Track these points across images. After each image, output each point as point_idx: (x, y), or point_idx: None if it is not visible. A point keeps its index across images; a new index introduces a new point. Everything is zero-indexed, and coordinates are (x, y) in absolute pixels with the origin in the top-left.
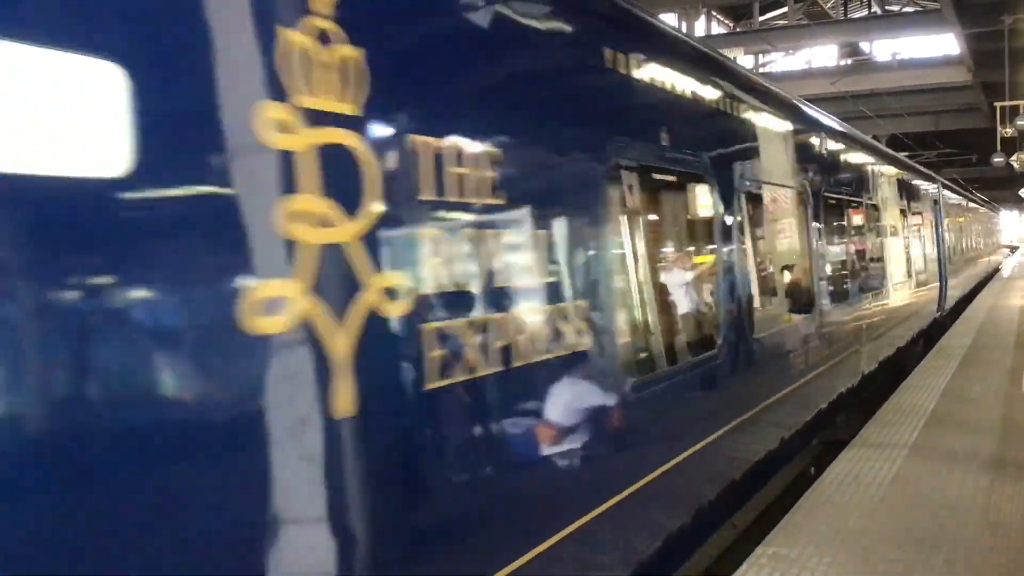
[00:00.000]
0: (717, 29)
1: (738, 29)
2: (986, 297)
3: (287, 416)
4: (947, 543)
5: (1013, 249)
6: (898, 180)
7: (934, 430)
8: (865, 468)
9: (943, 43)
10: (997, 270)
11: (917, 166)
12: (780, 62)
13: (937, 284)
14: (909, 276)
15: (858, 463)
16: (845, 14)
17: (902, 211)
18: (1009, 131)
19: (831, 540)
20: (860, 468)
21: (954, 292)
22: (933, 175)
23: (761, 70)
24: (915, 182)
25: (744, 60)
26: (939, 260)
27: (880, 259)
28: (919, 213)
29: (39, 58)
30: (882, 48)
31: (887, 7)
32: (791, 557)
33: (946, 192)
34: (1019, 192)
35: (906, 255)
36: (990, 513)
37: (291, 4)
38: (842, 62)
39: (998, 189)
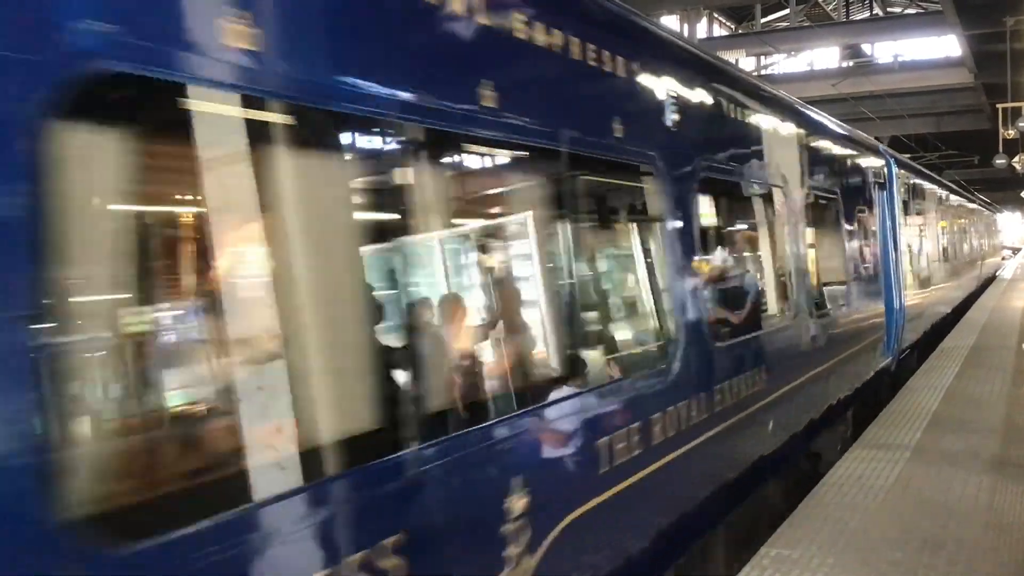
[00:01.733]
0: (719, 31)
1: (740, 31)
2: (988, 299)
3: None
4: (949, 544)
5: (1015, 251)
6: (797, 145)
7: (936, 431)
8: (868, 469)
9: (944, 45)
10: (993, 278)
11: (845, 128)
12: (782, 64)
13: (883, 315)
14: (805, 311)
15: (861, 464)
16: (847, 16)
17: (793, 199)
18: (1011, 133)
19: (834, 541)
20: (863, 469)
21: (920, 321)
22: (879, 147)
23: (763, 72)
24: (835, 151)
25: (746, 62)
26: (887, 278)
27: (727, 287)
28: (840, 203)
29: None
30: (883, 50)
31: (889, 9)
32: (793, 558)
33: (904, 174)
34: (1021, 194)
35: (799, 273)
36: (992, 514)
37: None
38: (843, 64)
39: (1000, 191)
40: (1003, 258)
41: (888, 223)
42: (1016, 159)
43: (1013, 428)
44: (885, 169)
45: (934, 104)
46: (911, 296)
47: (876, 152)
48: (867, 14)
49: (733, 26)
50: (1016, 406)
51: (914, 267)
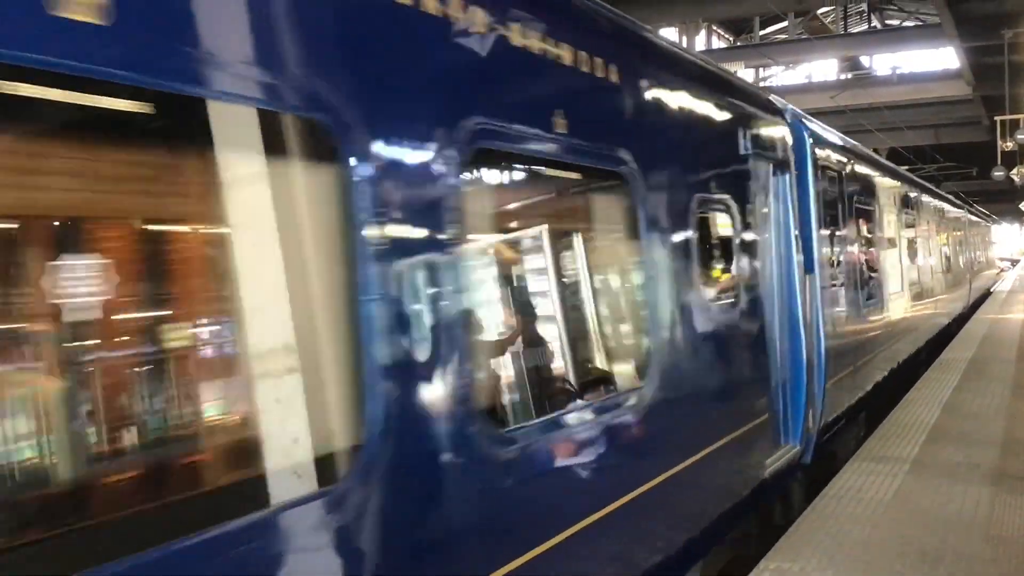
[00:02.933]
0: (718, 44)
1: (738, 43)
2: (987, 311)
3: None
4: (948, 556)
5: (1014, 263)
6: (508, 55)
7: (936, 444)
8: (867, 482)
9: (943, 57)
10: (988, 294)
11: (682, 51)
12: (780, 76)
13: (768, 382)
14: (485, 436)
15: (860, 477)
16: (845, 29)
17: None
18: (1009, 145)
19: (833, 554)
20: (862, 482)
21: (864, 373)
22: (778, 104)
23: (762, 84)
24: (641, 89)
25: (745, 74)
26: (791, 315)
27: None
28: (642, 191)
29: None
30: (882, 62)
31: (887, 22)
32: (793, 571)
33: (831, 155)
34: (1020, 205)
35: (476, 355)
36: (991, 527)
37: None
38: (842, 76)
39: (999, 202)
40: (1001, 270)
41: (794, 228)
42: (1015, 171)
43: (1012, 441)
44: (790, 142)
45: (932, 116)
46: (844, 337)
47: (771, 111)
48: (865, 27)
49: (732, 38)
50: (1015, 419)
51: (851, 292)
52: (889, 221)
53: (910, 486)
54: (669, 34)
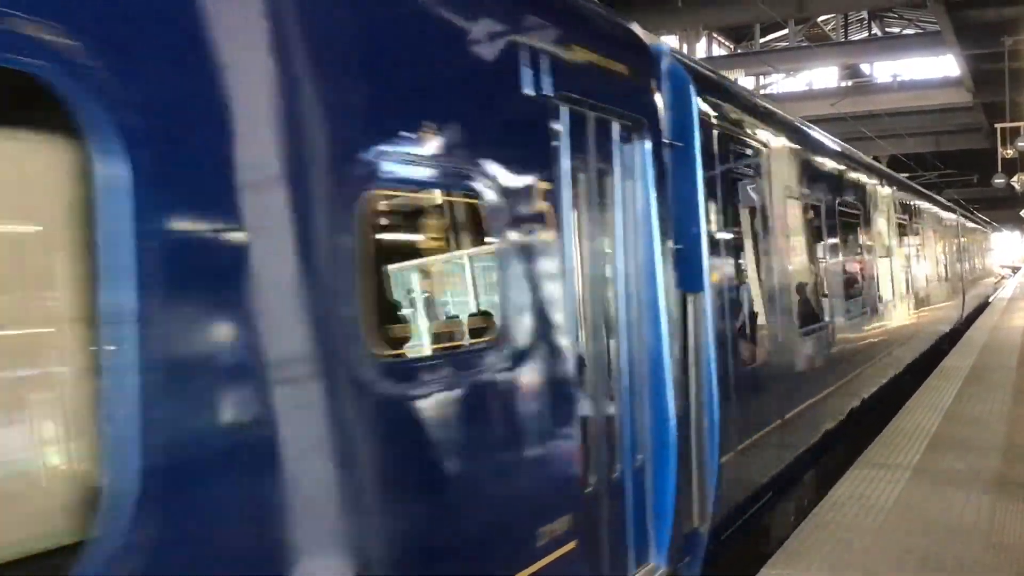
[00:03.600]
0: (718, 51)
1: (739, 51)
2: (986, 320)
3: None
4: (950, 564)
5: (1015, 270)
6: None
7: (937, 451)
8: (868, 489)
9: (943, 64)
10: (986, 305)
11: None
12: (781, 83)
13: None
14: None
15: (861, 484)
16: (845, 36)
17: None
18: (1010, 152)
19: (834, 562)
20: (863, 489)
21: (798, 433)
22: (628, 28)
23: (762, 91)
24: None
25: (745, 81)
26: (655, 370)
27: None
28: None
29: None
30: (882, 69)
31: (887, 29)
32: None
33: (736, 120)
34: (1020, 212)
35: None
36: (993, 534)
37: None
38: (842, 83)
39: (999, 209)
40: (1002, 277)
41: (660, 227)
42: (1015, 178)
43: (1014, 447)
44: (658, 93)
45: (933, 123)
46: (765, 380)
47: (615, 40)
48: (865, 34)
49: (732, 46)
50: (1016, 425)
51: (779, 314)
52: (845, 221)
53: (911, 493)
54: (670, 41)
